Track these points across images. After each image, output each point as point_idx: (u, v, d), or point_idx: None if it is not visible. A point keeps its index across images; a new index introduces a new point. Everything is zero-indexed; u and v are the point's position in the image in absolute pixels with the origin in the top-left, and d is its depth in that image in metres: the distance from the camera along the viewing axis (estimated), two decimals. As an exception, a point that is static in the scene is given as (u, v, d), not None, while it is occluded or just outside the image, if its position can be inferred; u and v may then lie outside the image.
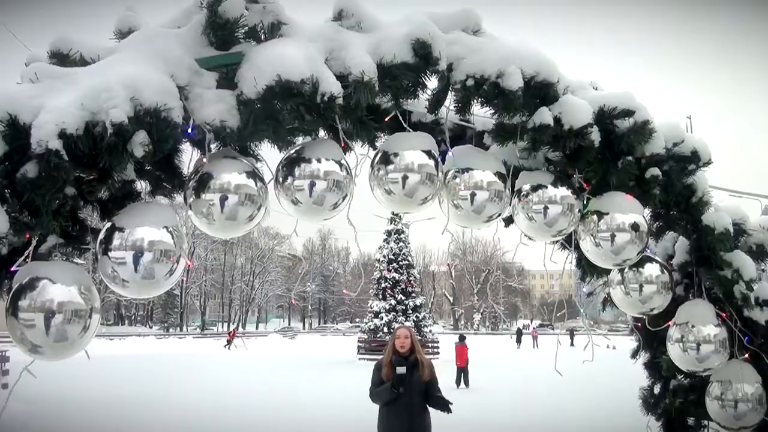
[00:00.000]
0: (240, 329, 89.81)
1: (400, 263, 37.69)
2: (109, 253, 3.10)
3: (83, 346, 2.96)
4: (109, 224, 3.19)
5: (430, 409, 5.78)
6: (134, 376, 23.85)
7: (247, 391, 19.24)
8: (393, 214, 38.70)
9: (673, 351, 4.74)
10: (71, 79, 3.14)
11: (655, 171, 4.32)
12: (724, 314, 4.73)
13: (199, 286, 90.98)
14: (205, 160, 3.38)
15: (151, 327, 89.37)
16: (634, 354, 5.86)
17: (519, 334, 53.01)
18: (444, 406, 5.68)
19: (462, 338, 21.22)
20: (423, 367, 5.73)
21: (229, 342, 47.42)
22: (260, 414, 14.71)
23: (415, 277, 38.98)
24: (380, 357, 5.97)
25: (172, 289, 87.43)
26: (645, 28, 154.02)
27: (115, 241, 3.10)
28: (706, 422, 5.22)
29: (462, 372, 19.78)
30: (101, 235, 3.16)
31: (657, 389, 5.64)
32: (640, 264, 4.61)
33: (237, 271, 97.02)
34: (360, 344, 34.97)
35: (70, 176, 2.88)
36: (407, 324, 28.01)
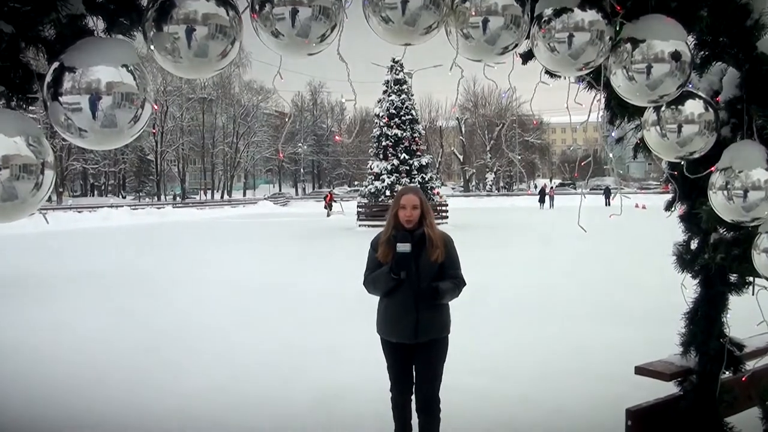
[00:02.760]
0: (226, 196, 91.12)
1: (403, 118, 37.57)
2: (60, 98, 2.97)
3: (36, 205, 2.90)
4: (57, 63, 3.04)
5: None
6: (110, 249, 24.29)
7: (241, 261, 19.66)
8: (393, 61, 38.14)
9: (716, 200, 4.68)
10: None
11: (702, -13, 4.12)
12: (776, 157, 4.65)
13: (175, 150, 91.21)
14: (165, -17, 3.19)
15: (124, 197, 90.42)
16: (669, 206, 5.79)
17: (542, 193, 54.19)
18: (434, 292, 4.78)
19: None
20: (433, 246, 4.84)
21: (328, 206, 49.07)
22: (259, 282, 15.08)
23: (420, 134, 39.03)
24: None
25: (146, 153, 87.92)
26: None
27: (66, 84, 2.96)
28: (751, 278, 5.26)
29: None
30: (48, 77, 3.01)
31: (694, 244, 5.64)
32: (679, 101, 4.46)
33: (218, 132, 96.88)
34: (360, 210, 35.54)
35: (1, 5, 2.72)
36: (414, 186, 27.45)
